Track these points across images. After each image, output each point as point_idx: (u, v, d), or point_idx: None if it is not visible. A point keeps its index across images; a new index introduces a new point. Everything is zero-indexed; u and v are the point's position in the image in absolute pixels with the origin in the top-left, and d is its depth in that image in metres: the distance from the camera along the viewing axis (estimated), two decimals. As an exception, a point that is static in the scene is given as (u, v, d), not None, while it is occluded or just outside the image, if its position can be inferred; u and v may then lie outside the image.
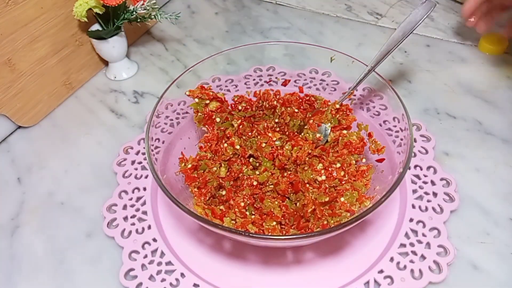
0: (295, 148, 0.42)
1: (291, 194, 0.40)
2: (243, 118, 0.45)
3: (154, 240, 0.41)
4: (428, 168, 0.45)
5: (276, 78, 0.53)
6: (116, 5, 0.53)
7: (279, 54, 0.58)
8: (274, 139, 0.43)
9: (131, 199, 0.45)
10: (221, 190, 0.42)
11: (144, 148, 0.50)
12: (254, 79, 0.53)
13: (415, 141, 0.48)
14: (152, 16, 0.58)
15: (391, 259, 0.38)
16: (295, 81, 0.52)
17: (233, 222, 0.38)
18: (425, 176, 0.45)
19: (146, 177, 0.47)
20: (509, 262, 0.39)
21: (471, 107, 0.54)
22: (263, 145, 0.43)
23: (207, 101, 0.45)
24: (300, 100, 0.47)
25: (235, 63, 0.51)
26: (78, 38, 0.58)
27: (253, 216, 0.39)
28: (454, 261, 0.38)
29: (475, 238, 0.40)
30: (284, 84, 0.52)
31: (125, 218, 0.43)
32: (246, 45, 0.51)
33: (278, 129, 0.46)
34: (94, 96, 0.59)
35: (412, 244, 0.39)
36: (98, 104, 0.58)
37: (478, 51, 0.61)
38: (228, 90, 0.51)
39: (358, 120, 0.47)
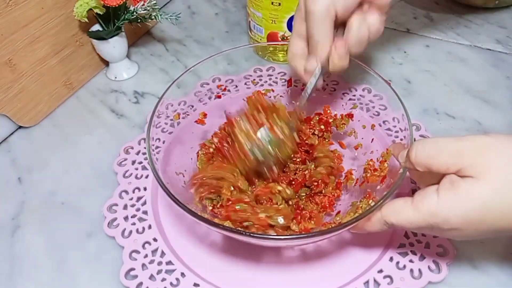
0: None
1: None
2: None
3: (155, 239, 0.41)
4: (428, 168, 0.45)
5: (276, 78, 0.53)
6: (117, 5, 0.53)
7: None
8: None
9: (131, 199, 0.45)
10: None
11: (144, 148, 0.50)
12: (254, 79, 0.53)
13: (414, 141, 0.48)
14: (153, 17, 0.58)
15: (391, 259, 0.38)
16: (295, 81, 0.52)
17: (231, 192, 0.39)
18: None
19: (147, 177, 0.47)
20: (509, 262, 0.39)
21: (470, 107, 0.54)
22: None
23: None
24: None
25: (235, 63, 0.51)
26: (79, 39, 0.58)
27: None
28: (454, 261, 0.38)
29: (475, 238, 0.41)
30: (289, 84, 0.52)
31: (126, 218, 0.43)
32: (246, 45, 0.51)
33: None
34: (94, 96, 0.59)
35: (411, 244, 0.39)
36: (99, 104, 0.58)
37: (478, 51, 0.62)
38: (229, 90, 0.51)
39: (359, 120, 0.47)
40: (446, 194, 0.29)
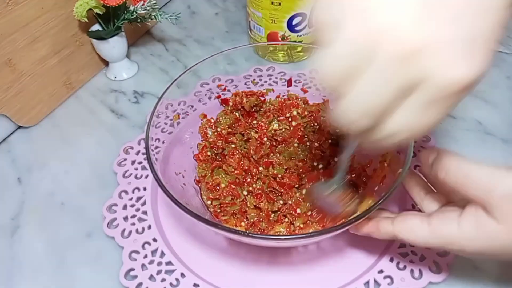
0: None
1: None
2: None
3: (154, 240, 0.41)
4: (428, 168, 0.45)
5: (276, 78, 0.53)
6: (117, 5, 0.53)
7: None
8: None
9: (131, 199, 0.45)
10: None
11: (144, 148, 0.50)
12: (254, 79, 0.53)
13: (414, 141, 0.48)
14: (153, 17, 0.58)
15: (391, 259, 0.38)
16: (295, 81, 0.52)
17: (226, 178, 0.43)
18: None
19: (146, 177, 0.47)
20: (510, 262, 0.39)
21: (471, 107, 0.54)
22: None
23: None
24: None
25: (235, 63, 0.51)
26: (79, 39, 0.58)
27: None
28: (454, 261, 0.38)
29: (475, 238, 0.40)
30: (289, 84, 0.52)
31: (125, 218, 0.43)
32: (246, 45, 0.51)
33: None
34: (94, 96, 0.59)
35: (412, 245, 0.39)
36: (99, 104, 0.58)
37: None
38: (228, 90, 0.51)
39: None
40: (469, 230, 0.29)
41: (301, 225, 0.39)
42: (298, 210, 0.40)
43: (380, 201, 0.33)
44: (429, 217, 0.31)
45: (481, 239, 0.29)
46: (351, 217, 0.33)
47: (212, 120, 0.49)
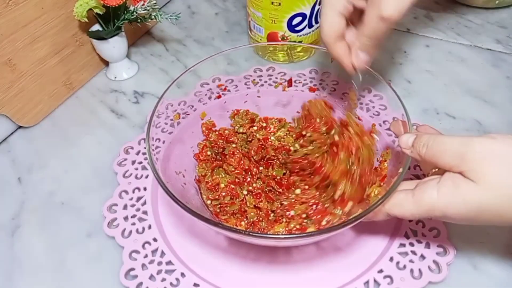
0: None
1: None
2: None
3: (155, 239, 0.41)
4: (428, 168, 0.45)
5: (276, 78, 0.53)
6: (117, 5, 0.53)
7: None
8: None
9: (131, 199, 0.45)
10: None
11: (144, 148, 0.50)
12: (254, 79, 0.53)
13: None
14: (153, 17, 0.58)
15: (391, 259, 0.38)
16: (295, 81, 0.52)
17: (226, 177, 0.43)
18: (425, 176, 0.45)
19: (147, 177, 0.47)
20: (509, 262, 0.39)
21: (471, 107, 0.54)
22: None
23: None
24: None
25: (235, 63, 0.51)
26: (79, 39, 0.58)
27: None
28: (454, 261, 0.38)
29: (475, 238, 0.40)
30: (290, 84, 0.52)
31: (126, 218, 0.43)
32: (246, 45, 0.51)
33: None
34: (94, 96, 0.59)
35: (411, 244, 0.39)
36: (99, 104, 0.58)
37: (478, 51, 0.62)
38: (229, 90, 0.51)
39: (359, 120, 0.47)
40: (446, 193, 0.31)
41: (297, 226, 0.39)
42: (292, 212, 0.40)
43: (380, 200, 0.33)
44: (413, 190, 0.33)
45: (459, 201, 0.30)
46: (351, 217, 0.33)
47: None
